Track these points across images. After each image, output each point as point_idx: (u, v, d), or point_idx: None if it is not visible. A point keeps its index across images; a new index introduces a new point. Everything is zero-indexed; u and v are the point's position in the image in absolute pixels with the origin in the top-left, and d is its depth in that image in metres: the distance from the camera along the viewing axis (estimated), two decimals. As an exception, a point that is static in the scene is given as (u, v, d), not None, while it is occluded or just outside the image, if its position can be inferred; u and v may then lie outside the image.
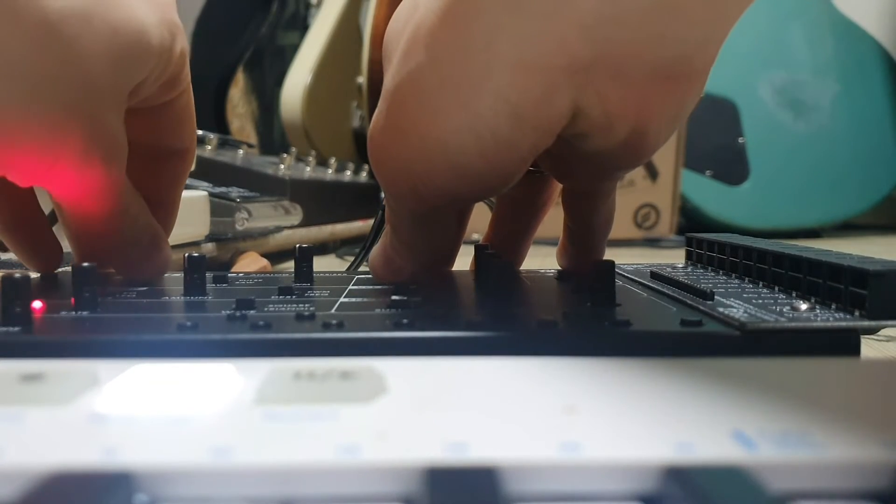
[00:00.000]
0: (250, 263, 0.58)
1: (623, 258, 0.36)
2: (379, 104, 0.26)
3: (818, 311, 0.22)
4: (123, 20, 0.26)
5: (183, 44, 0.29)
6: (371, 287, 0.29)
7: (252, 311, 0.23)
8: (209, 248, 0.57)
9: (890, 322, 0.21)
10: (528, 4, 0.21)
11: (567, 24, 0.21)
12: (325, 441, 0.13)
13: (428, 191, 0.26)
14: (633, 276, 0.32)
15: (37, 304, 0.24)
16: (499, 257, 0.29)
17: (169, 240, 0.34)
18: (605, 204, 0.31)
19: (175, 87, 0.30)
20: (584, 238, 0.32)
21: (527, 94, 0.23)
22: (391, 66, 0.26)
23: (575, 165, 0.28)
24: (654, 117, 0.25)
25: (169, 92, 0.30)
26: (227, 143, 0.87)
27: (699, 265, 0.34)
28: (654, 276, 0.31)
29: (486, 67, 0.23)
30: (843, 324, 0.21)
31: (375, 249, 0.30)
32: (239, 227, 0.59)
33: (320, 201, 0.87)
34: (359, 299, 0.26)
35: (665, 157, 1.09)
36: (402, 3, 0.26)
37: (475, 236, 0.63)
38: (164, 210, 0.33)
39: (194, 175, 0.64)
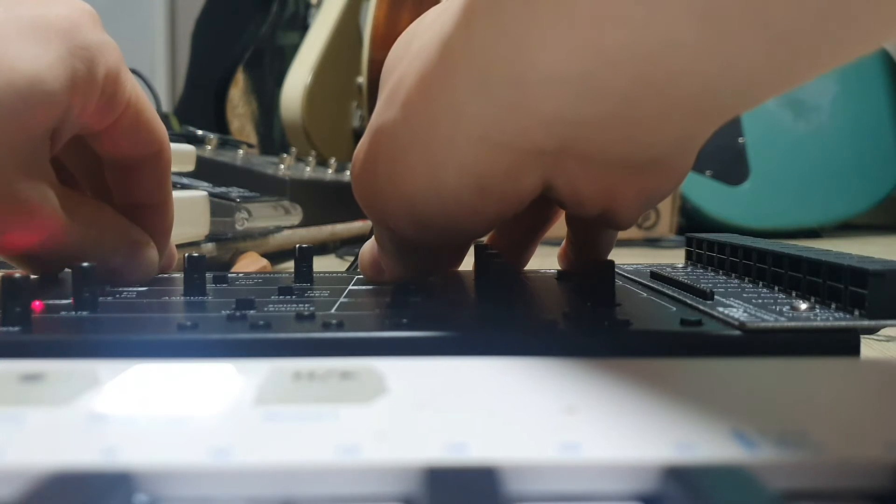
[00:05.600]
0: (250, 263, 0.58)
1: (623, 258, 0.36)
2: (363, 136, 0.26)
3: (818, 310, 0.22)
4: (2, 87, 0.24)
5: (109, 63, 0.28)
6: (371, 287, 0.29)
7: (252, 311, 0.23)
8: (209, 248, 0.57)
9: (890, 322, 0.21)
10: (493, 92, 0.21)
11: (529, 118, 0.21)
12: (325, 441, 0.13)
13: (399, 232, 0.26)
14: (633, 276, 0.32)
15: (37, 304, 0.24)
16: (499, 257, 0.29)
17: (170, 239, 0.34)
18: (608, 229, 0.31)
19: (113, 107, 0.29)
20: (586, 253, 0.32)
21: (492, 168, 0.22)
22: (379, 100, 0.25)
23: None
24: (625, 202, 0.25)
25: (109, 114, 0.29)
26: (227, 143, 0.87)
27: (699, 265, 0.34)
28: (654, 276, 0.31)
29: (452, 139, 0.22)
30: (843, 323, 0.21)
31: (366, 246, 0.30)
32: (239, 227, 0.59)
33: (320, 201, 0.87)
34: (359, 299, 0.26)
35: (665, 157, 1.09)
36: (406, 30, 0.26)
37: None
38: (156, 212, 0.33)
39: (194, 175, 0.64)
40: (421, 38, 0.24)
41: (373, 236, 0.30)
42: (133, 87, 0.30)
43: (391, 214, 0.26)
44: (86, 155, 0.32)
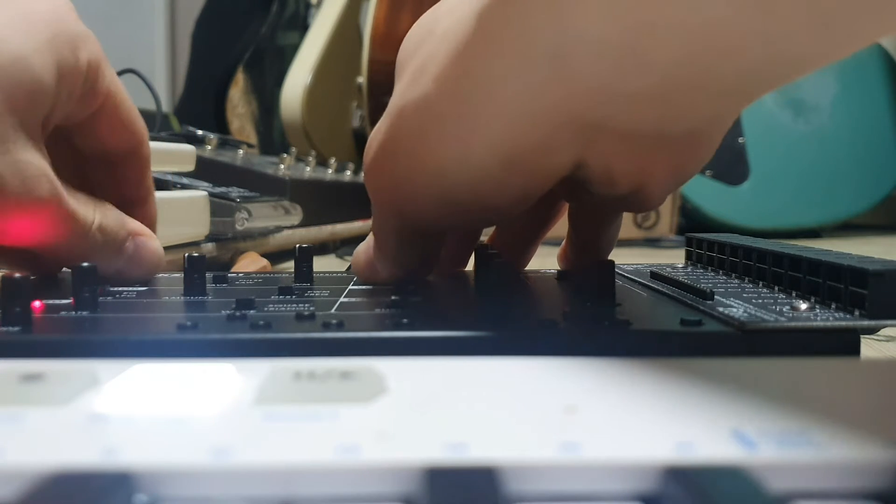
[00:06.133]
0: (250, 263, 0.58)
1: (623, 258, 0.36)
2: (381, 119, 0.26)
3: (818, 310, 0.22)
4: None
5: (91, 52, 0.28)
6: (371, 287, 0.29)
7: (252, 311, 0.23)
8: (209, 248, 0.57)
9: (890, 322, 0.21)
10: (535, 62, 0.21)
11: (571, 88, 0.21)
12: (325, 441, 0.13)
13: (414, 214, 0.26)
14: (633, 276, 0.32)
15: (37, 304, 0.24)
16: (499, 257, 0.29)
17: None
18: (611, 225, 0.31)
19: (94, 96, 0.29)
20: (587, 252, 0.32)
21: (526, 142, 0.23)
22: (399, 84, 0.26)
23: (582, 197, 0.29)
24: (658, 178, 0.25)
25: (90, 103, 0.29)
26: (227, 143, 0.87)
27: (699, 265, 0.34)
28: (654, 276, 0.31)
29: (490, 112, 0.23)
30: (843, 323, 0.21)
31: (360, 247, 0.30)
32: (239, 227, 0.59)
33: (320, 201, 0.87)
34: (359, 299, 0.26)
35: (665, 157, 1.09)
36: (418, 21, 0.26)
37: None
38: (139, 209, 0.33)
39: (194, 175, 0.64)
40: (448, 18, 0.24)
41: (368, 236, 0.30)
42: (113, 78, 0.30)
43: (412, 195, 0.26)
44: (69, 153, 0.32)
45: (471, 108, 0.23)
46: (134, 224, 0.31)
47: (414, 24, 0.26)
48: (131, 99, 0.32)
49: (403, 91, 0.25)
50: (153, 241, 0.31)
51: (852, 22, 0.18)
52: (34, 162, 0.26)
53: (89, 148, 0.32)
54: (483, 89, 0.22)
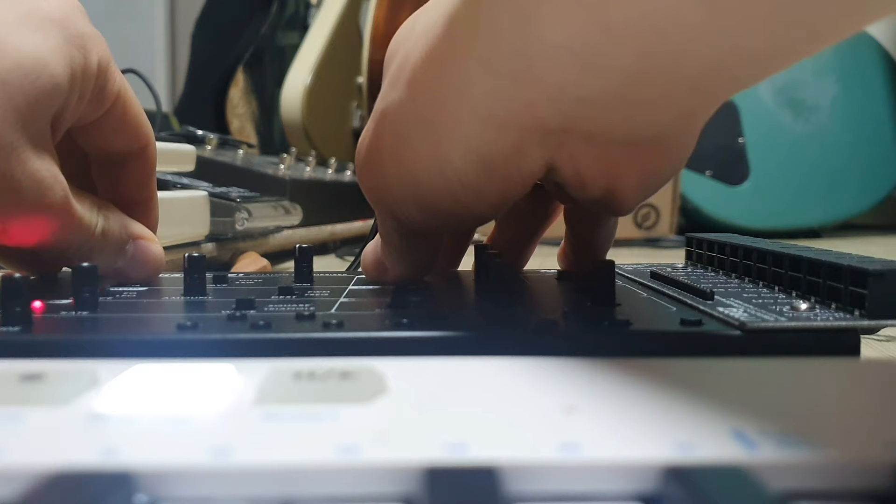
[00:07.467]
0: (250, 263, 0.58)
1: (623, 258, 0.36)
2: (368, 121, 0.26)
3: (818, 310, 0.22)
4: (8, 70, 0.25)
5: (101, 52, 0.28)
6: (371, 287, 0.29)
7: (252, 311, 0.23)
8: (209, 248, 0.57)
9: (890, 322, 0.21)
10: (500, 67, 0.21)
11: (535, 92, 0.21)
12: (325, 441, 0.13)
13: (404, 217, 0.26)
14: (633, 276, 0.32)
15: (37, 304, 0.24)
16: (499, 257, 0.29)
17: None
18: (604, 225, 0.31)
19: (104, 98, 0.29)
20: (585, 251, 0.32)
21: (496, 147, 0.23)
22: (383, 85, 0.26)
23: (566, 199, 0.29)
24: (627, 182, 0.25)
25: (100, 105, 0.29)
26: (227, 143, 0.87)
27: (699, 265, 0.34)
28: (654, 276, 0.31)
29: (458, 117, 0.23)
30: (843, 323, 0.21)
31: (368, 247, 0.30)
32: (239, 227, 0.59)
33: (320, 201, 0.87)
34: (359, 299, 0.26)
35: (665, 157, 1.08)
36: (407, 20, 0.26)
37: (476, 236, 0.63)
38: (141, 210, 0.33)
39: (194, 175, 0.64)
40: (425, 18, 0.24)
41: (375, 236, 0.30)
42: (121, 79, 0.30)
43: (397, 199, 0.26)
44: (72, 154, 0.32)
45: (441, 114, 0.23)
46: (136, 227, 0.31)
47: (406, 20, 0.27)
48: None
49: (384, 93, 0.25)
50: (154, 245, 0.31)
51: (813, 19, 0.18)
52: (49, 169, 0.26)
53: (95, 149, 0.31)
54: (452, 95, 0.22)
